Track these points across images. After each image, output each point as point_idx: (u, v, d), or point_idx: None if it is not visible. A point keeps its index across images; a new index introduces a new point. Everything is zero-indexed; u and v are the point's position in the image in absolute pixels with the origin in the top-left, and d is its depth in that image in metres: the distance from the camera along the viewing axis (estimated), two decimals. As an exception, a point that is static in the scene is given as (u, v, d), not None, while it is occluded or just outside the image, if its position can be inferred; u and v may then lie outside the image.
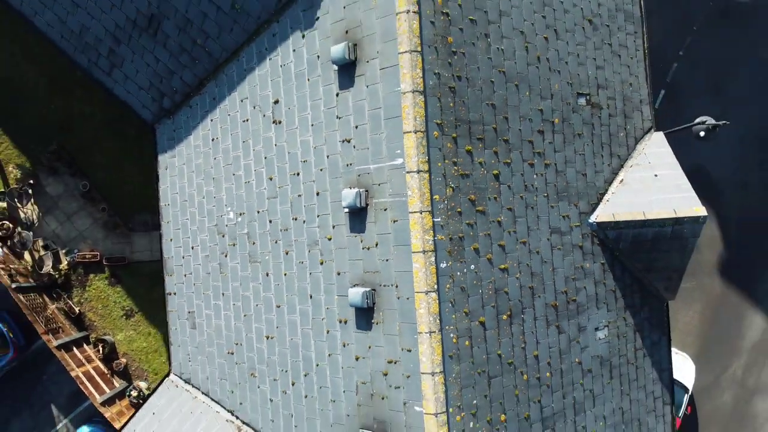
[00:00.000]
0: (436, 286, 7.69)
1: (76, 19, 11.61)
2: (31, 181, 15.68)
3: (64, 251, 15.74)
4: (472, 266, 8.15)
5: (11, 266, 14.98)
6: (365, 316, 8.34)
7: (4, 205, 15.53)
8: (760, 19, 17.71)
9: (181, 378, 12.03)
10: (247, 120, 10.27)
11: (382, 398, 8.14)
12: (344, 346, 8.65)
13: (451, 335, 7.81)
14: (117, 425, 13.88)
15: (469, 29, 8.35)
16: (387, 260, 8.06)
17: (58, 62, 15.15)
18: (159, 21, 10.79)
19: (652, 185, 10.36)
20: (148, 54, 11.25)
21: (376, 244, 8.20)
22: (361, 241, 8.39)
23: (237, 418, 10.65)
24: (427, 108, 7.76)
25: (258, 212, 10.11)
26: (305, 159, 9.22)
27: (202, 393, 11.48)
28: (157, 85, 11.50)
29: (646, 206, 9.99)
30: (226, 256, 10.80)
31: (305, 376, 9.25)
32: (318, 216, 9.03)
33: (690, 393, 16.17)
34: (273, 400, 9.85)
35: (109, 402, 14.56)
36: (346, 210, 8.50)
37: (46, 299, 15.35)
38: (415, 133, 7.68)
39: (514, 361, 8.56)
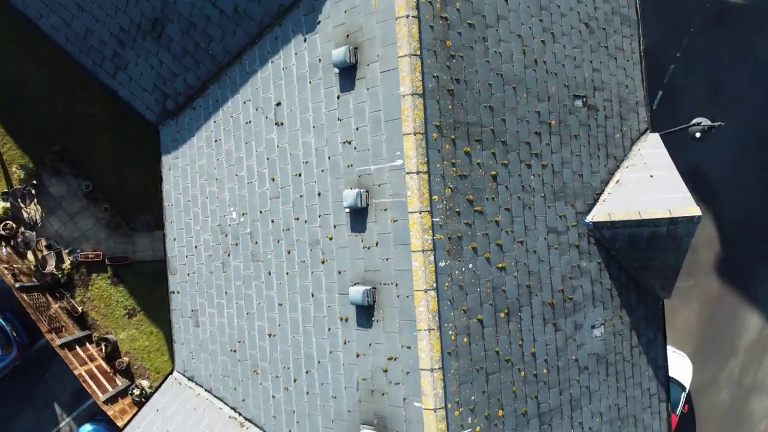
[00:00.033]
0: (435, 285, 7.80)
1: (81, 22, 11.66)
2: (35, 182, 15.72)
3: (67, 251, 15.79)
4: (471, 265, 8.28)
5: (15, 266, 15.04)
6: (366, 313, 8.45)
7: (8, 205, 15.55)
8: (756, 20, 17.80)
9: (184, 375, 12.10)
10: (250, 122, 10.37)
11: (383, 394, 8.25)
12: (345, 343, 8.77)
13: (450, 332, 7.93)
14: (120, 423, 13.94)
15: (468, 33, 8.48)
16: (387, 259, 8.17)
17: (60, 63, 15.12)
18: (163, 24, 10.85)
19: (648, 185, 10.48)
20: (152, 57, 11.31)
21: (377, 244, 8.31)
22: (362, 241, 8.50)
23: (240, 414, 10.74)
24: (426, 110, 7.88)
25: (260, 212, 10.21)
26: (307, 160, 9.33)
27: (205, 390, 11.56)
28: (161, 87, 11.57)
29: (641, 206, 10.11)
30: (228, 255, 10.90)
31: (307, 372, 9.37)
32: (319, 216, 9.14)
33: (687, 391, 16.25)
34: (275, 396, 9.96)
35: (111, 400, 14.62)
36: (347, 210, 8.60)
37: (49, 298, 15.39)
38: (415, 134, 7.80)
39: (512, 358, 8.69)
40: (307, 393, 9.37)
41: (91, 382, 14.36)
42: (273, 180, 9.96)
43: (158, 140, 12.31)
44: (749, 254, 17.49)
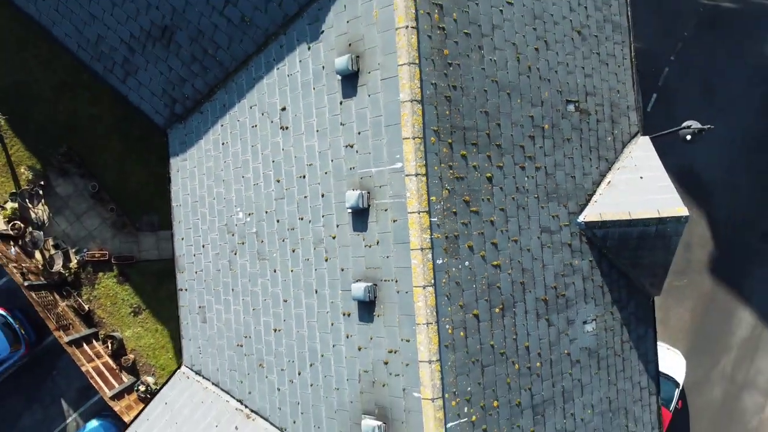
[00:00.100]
0: (433, 281, 8.03)
1: (93, 29, 11.80)
2: (42, 182, 15.85)
3: (73, 250, 15.92)
4: (467, 263, 8.51)
5: (23, 265, 15.17)
6: (367, 309, 8.67)
7: (16, 205, 15.71)
8: (747, 24, 17.98)
9: (192, 370, 12.25)
10: (256, 126, 10.54)
11: (383, 385, 8.47)
12: (347, 337, 8.98)
13: (447, 326, 8.17)
14: (126, 418, 14.06)
15: (464, 42, 8.71)
16: (387, 257, 8.39)
17: (67, 66, 15.32)
18: (172, 32, 11.01)
19: (638, 187, 10.68)
20: (162, 63, 11.45)
21: (378, 242, 8.54)
22: (364, 240, 8.71)
23: (246, 406, 10.92)
24: (424, 116, 8.11)
25: (266, 212, 10.39)
26: (311, 163, 9.54)
27: (213, 383, 11.72)
28: (170, 92, 11.71)
29: (631, 206, 10.31)
30: (235, 253, 11.08)
31: (311, 366, 9.58)
32: (323, 216, 9.34)
33: (681, 388, 16.39)
34: (280, 389, 10.16)
35: (118, 396, 14.74)
36: (350, 210, 8.82)
37: (57, 297, 15.50)
38: (414, 139, 8.03)
39: (506, 351, 8.91)
40: (311, 385, 9.57)
41: (97, 379, 14.50)
42: (278, 181, 10.16)
43: (166, 143, 12.44)
44: (742, 253, 17.66)
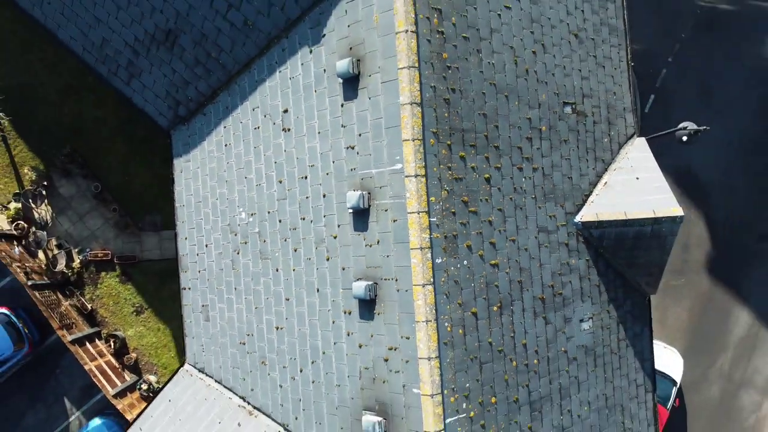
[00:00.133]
0: (432, 280, 8.16)
1: (98, 32, 11.91)
2: (45, 183, 15.95)
3: (76, 250, 16.02)
4: (465, 262, 8.64)
5: (27, 264, 15.26)
6: (368, 307, 8.80)
7: (19, 205, 15.82)
8: (744, 26, 18.05)
9: (195, 367, 12.35)
10: (259, 127, 10.66)
11: (383, 382, 8.61)
12: (348, 335, 9.10)
13: (446, 324, 8.30)
14: (129, 417, 14.12)
15: (463, 46, 8.85)
16: (387, 256, 8.52)
17: (72, 69, 15.42)
18: (176, 35, 11.11)
19: (634, 187, 10.80)
20: (166, 65, 11.56)
21: (378, 242, 8.67)
22: (364, 239, 8.84)
23: (248, 403, 11.03)
24: (423, 118, 8.25)
25: (268, 213, 10.51)
26: (312, 164, 9.66)
27: (216, 381, 11.82)
28: (174, 94, 11.82)
29: (627, 207, 10.44)
30: (238, 253, 11.20)
31: (312, 363, 9.70)
32: (324, 216, 9.47)
33: (678, 386, 16.49)
34: (282, 386, 10.28)
35: (120, 394, 14.80)
36: (350, 210, 8.94)
37: (60, 296, 15.58)
38: (413, 140, 8.16)
39: (504, 349, 9.05)
40: (313, 382, 9.70)
41: (100, 377, 14.57)
42: (280, 182, 10.28)
43: (170, 144, 12.54)
44: (739, 254, 17.75)
